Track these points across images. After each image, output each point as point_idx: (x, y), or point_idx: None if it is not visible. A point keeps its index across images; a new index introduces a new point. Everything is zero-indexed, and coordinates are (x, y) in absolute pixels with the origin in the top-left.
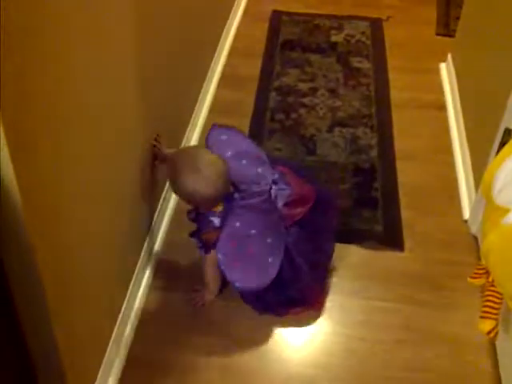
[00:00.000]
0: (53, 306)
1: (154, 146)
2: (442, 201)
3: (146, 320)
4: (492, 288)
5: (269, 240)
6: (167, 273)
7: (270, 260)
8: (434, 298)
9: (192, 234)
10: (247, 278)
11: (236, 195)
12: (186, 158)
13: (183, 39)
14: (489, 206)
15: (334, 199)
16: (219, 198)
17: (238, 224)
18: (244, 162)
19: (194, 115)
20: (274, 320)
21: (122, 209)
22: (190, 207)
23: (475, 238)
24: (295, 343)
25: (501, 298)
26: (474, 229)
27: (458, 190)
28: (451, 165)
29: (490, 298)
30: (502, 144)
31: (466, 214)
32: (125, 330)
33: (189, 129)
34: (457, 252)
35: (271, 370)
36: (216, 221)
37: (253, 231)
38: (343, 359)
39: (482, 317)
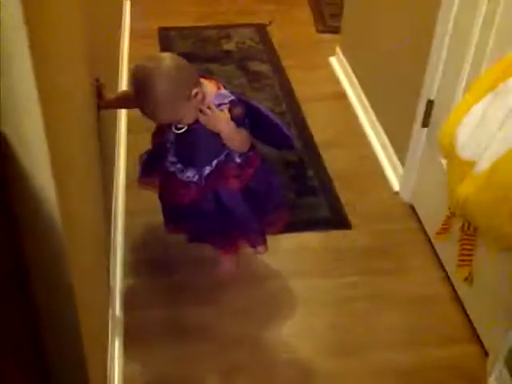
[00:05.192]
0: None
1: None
2: (371, 179)
3: None
4: (466, 236)
5: None
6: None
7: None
8: (389, 265)
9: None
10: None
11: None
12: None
13: None
14: (453, 163)
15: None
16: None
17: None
18: None
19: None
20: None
21: None
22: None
23: (410, 206)
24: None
25: (474, 245)
26: (406, 197)
27: (382, 167)
28: (368, 145)
29: (465, 247)
30: (427, 114)
31: (396, 186)
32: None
33: None
34: (396, 221)
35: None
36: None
37: None
38: (325, 332)
39: (459, 265)
